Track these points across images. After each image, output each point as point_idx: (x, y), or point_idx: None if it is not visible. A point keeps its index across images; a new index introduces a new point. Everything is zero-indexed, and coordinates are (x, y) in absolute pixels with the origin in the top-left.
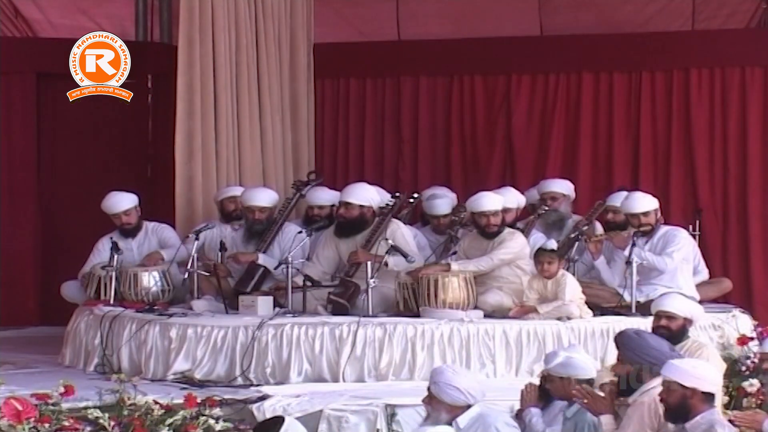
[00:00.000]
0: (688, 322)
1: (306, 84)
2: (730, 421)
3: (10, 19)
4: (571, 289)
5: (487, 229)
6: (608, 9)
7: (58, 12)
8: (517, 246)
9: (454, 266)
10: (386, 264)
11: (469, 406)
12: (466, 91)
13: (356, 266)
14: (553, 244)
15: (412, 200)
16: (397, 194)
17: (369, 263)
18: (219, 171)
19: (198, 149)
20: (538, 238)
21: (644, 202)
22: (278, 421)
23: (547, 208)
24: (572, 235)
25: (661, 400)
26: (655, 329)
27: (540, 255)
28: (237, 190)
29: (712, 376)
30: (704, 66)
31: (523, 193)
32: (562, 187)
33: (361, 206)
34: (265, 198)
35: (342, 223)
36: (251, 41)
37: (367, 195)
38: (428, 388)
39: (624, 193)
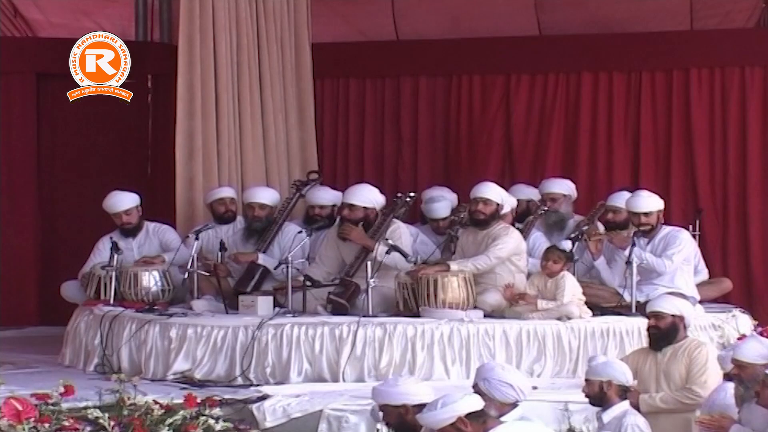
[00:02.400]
0: (678, 319)
1: (307, 84)
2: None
3: (9, 19)
4: (570, 290)
5: (474, 216)
6: (602, 6)
7: (58, 12)
8: (512, 241)
9: (453, 266)
10: (373, 250)
11: (516, 403)
12: (465, 91)
13: (361, 257)
14: (567, 245)
15: (408, 199)
16: (399, 195)
17: (369, 263)
18: (221, 171)
19: (198, 149)
20: (538, 237)
21: (649, 202)
22: None
23: (546, 209)
24: (572, 235)
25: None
26: (648, 330)
27: (549, 252)
28: (224, 191)
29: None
30: (704, 66)
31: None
32: (562, 187)
33: (365, 208)
34: (265, 195)
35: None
36: (252, 41)
37: (371, 197)
38: (474, 386)
39: (625, 194)
